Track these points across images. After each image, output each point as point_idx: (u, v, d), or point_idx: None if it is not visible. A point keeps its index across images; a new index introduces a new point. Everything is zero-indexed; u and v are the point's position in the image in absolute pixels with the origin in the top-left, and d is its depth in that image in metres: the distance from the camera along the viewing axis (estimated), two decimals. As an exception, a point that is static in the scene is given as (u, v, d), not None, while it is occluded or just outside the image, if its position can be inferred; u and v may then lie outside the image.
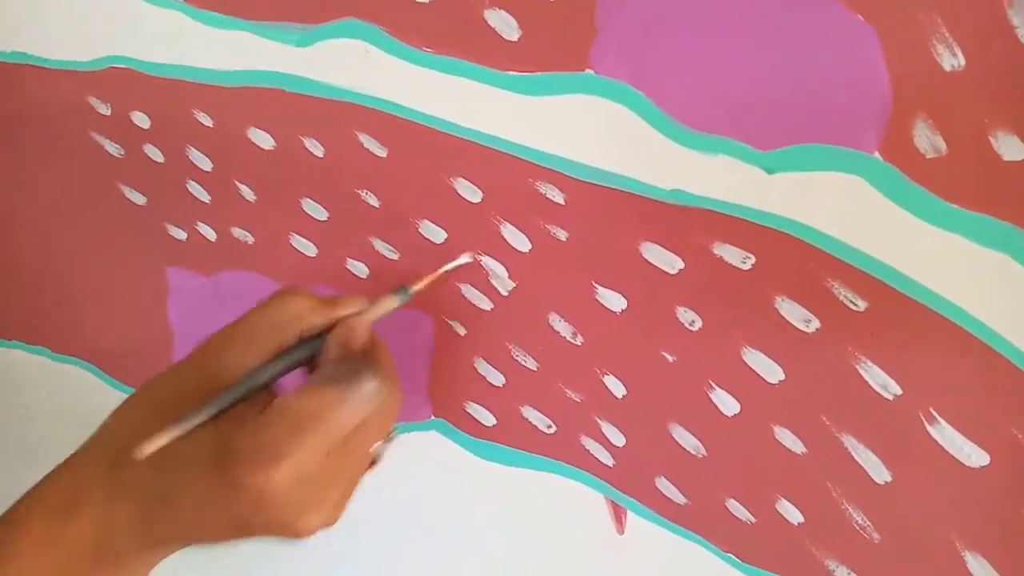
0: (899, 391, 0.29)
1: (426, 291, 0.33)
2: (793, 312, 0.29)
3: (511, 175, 0.33)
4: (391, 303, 0.32)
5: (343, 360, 0.29)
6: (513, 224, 0.34)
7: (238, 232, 0.41)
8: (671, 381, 0.33)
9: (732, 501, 0.33)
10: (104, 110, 0.42)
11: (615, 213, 0.31)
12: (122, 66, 0.40)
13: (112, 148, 0.43)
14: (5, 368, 0.56)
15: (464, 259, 0.35)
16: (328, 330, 0.30)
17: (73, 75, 0.42)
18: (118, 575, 0.29)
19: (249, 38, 0.36)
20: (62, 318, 0.51)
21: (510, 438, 0.38)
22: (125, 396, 0.52)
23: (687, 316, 0.31)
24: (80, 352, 0.52)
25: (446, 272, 0.34)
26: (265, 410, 0.26)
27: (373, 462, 0.30)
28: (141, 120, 0.41)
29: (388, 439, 0.30)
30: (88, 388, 0.52)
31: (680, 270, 0.31)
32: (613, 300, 0.33)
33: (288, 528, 0.27)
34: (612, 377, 0.34)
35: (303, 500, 0.26)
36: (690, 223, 0.30)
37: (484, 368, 0.37)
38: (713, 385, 0.32)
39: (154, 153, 0.42)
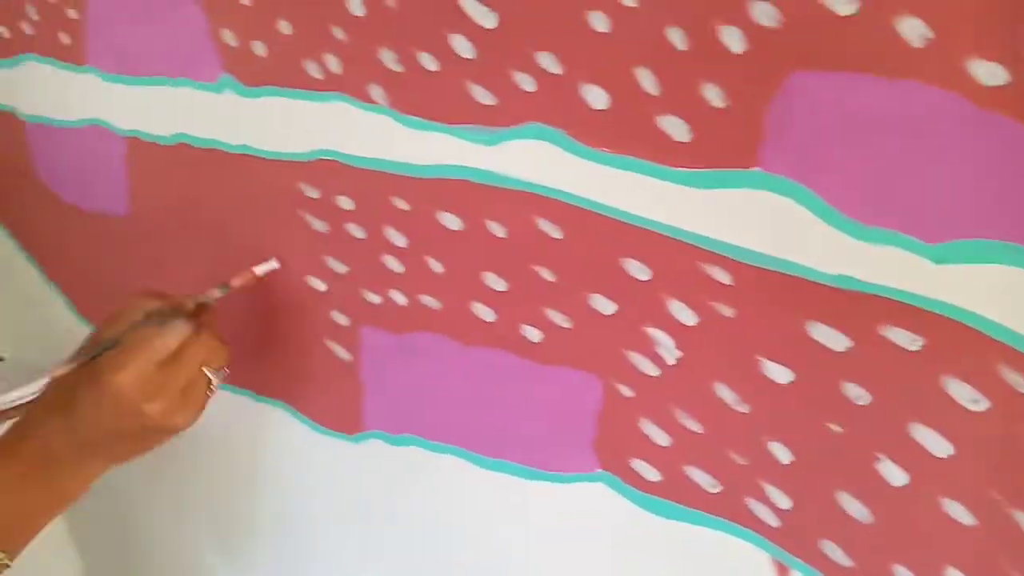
0: (1075, 472, 0.29)
1: (244, 288, 0.51)
2: (961, 392, 0.31)
3: (679, 257, 0.36)
4: (215, 293, 0.50)
5: (165, 316, 0.46)
6: (680, 300, 0.37)
7: (426, 299, 0.47)
8: (838, 451, 0.34)
9: (899, 567, 0.35)
10: (313, 194, 0.49)
11: (781, 294, 0.34)
12: (330, 158, 0.47)
13: (318, 225, 0.50)
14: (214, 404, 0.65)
15: (273, 264, 0.52)
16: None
17: (288, 165, 0.49)
18: (62, 477, 0.46)
19: (444, 138, 0.41)
20: (267, 366, 0.59)
21: (674, 494, 0.41)
22: (319, 436, 0.59)
23: (854, 391, 0.33)
24: (281, 395, 0.60)
25: (256, 274, 0.52)
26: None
27: (211, 385, 0.48)
28: (346, 203, 0.48)
29: (221, 374, 0.49)
30: (286, 427, 0.60)
31: (847, 348, 0.33)
32: (779, 373, 0.35)
33: (143, 415, 0.44)
34: (778, 444, 0.37)
35: (145, 392, 0.44)
36: (857, 306, 0.32)
37: (649, 428, 0.41)
38: (880, 457, 0.33)
39: (355, 231, 0.48)
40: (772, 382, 0.36)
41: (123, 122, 0.57)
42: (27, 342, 0.83)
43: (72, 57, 0.58)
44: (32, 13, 0.59)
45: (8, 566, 0.45)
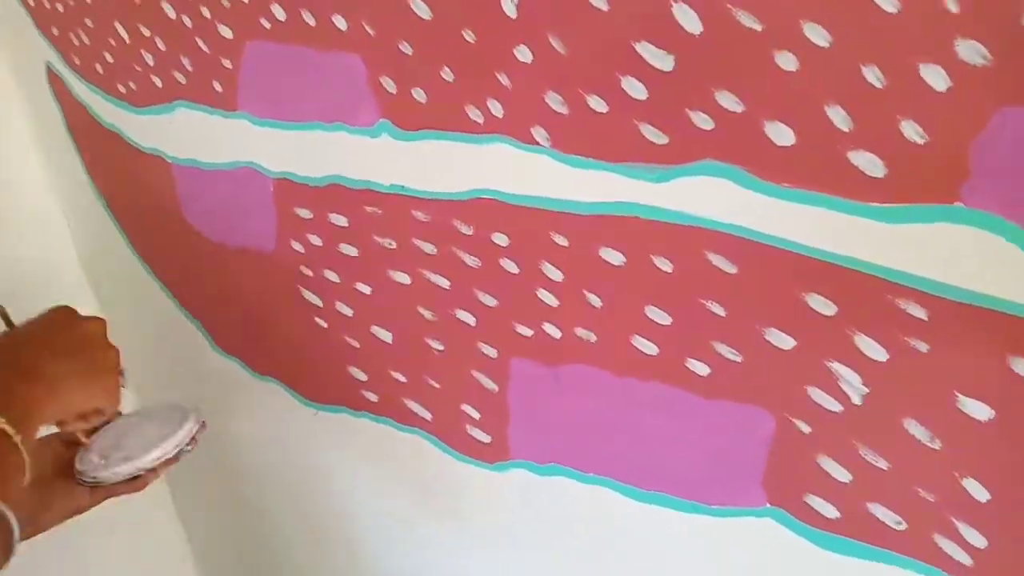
0: None
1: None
2: None
3: (868, 292, 0.36)
4: None
5: None
6: (869, 336, 0.37)
7: (581, 332, 0.48)
8: (1047, 491, 0.34)
9: (1116, 612, 0.33)
10: (467, 231, 0.51)
11: (983, 329, 0.33)
12: (487, 197, 0.48)
13: (471, 260, 0.51)
14: (356, 434, 0.67)
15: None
16: None
17: (442, 203, 0.51)
18: None
19: (609, 176, 0.42)
20: (409, 396, 0.61)
21: (853, 531, 0.41)
22: (459, 463, 0.60)
23: (1067, 430, 0.32)
24: (423, 424, 0.61)
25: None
26: None
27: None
28: (500, 239, 0.49)
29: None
30: (427, 455, 0.62)
31: (1059, 386, 0.32)
32: (978, 409, 0.35)
33: None
34: (973, 481, 0.36)
35: None
36: (1074, 344, 0.31)
37: (829, 465, 0.40)
38: (1097, 498, 0.32)
39: (509, 266, 0.49)
40: (970, 418, 0.35)
41: (273, 164, 0.60)
42: (165, 376, 0.87)
43: (224, 103, 0.61)
44: (186, 64, 0.62)
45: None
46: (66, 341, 0.52)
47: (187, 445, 0.60)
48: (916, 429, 0.37)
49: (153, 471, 0.60)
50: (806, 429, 0.40)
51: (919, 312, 0.35)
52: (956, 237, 0.33)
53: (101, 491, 0.59)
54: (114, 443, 0.60)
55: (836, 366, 0.38)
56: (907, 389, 0.36)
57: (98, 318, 0.55)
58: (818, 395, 0.39)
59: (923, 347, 0.35)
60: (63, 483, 0.58)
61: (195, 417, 0.62)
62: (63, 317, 0.54)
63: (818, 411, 0.39)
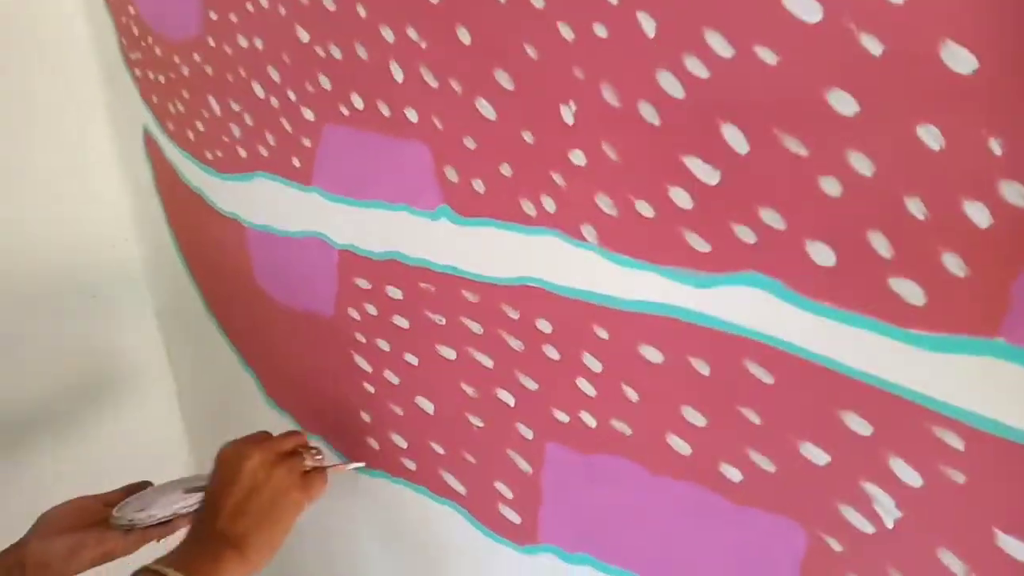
0: None
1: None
2: None
3: (905, 416, 0.36)
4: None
5: None
6: (904, 460, 0.36)
7: (617, 424, 0.48)
8: (1089, 643, 0.32)
9: None
10: (513, 315, 0.52)
11: (1023, 467, 0.33)
12: (534, 285, 0.50)
13: (514, 343, 0.53)
14: (392, 500, 0.68)
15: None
16: None
17: (492, 287, 0.53)
18: None
19: (652, 277, 0.44)
20: (446, 468, 0.62)
21: (884, 658, 0.39)
22: (489, 540, 0.60)
23: (1110, 581, 0.31)
24: (457, 498, 0.62)
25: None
26: None
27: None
28: (544, 326, 0.51)
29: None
30: (458, 529, 0.62)
31: (1102, 535, 0.31)
32: (1019, 549, 0.34)
33: None
34: (1012, 623, 0.35)
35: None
36: (1117, 492, 0.30)
37: (860, 586, 0.39)
38: None
39: (551, 352, 0.51)
40: (1009, 557, 0.34)
41: (339, 236, 0.64)
42: (218, 424, 0.91)
43: (300, 178, 0.65)
44: (270, 139, 0.67)
45: None
46: (255, 505, 0.56)
47: None
48: (951, 560, 0.36)
49: (187, 516, 0.62)
50: (837, 547, 0.40)
51: (956, 442, 0.34)
52: (997, 371, 0.33)
53: (134, 535, 0.62)
54: (150, 499, 0.63)
55: (870, 487, 0.38)
56: (942, 518, 0.36)
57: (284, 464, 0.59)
58: (851, 514, 0.39)
59: (960, 478, 0.35)
60: (96, 529, 0.61)
61: None
62: (250, 479, 0.57)
63: (850, 530, 0.39)
